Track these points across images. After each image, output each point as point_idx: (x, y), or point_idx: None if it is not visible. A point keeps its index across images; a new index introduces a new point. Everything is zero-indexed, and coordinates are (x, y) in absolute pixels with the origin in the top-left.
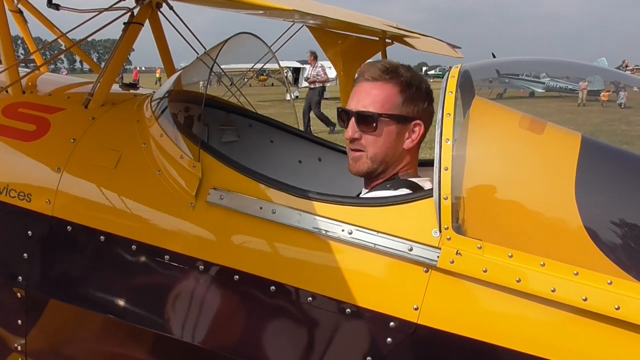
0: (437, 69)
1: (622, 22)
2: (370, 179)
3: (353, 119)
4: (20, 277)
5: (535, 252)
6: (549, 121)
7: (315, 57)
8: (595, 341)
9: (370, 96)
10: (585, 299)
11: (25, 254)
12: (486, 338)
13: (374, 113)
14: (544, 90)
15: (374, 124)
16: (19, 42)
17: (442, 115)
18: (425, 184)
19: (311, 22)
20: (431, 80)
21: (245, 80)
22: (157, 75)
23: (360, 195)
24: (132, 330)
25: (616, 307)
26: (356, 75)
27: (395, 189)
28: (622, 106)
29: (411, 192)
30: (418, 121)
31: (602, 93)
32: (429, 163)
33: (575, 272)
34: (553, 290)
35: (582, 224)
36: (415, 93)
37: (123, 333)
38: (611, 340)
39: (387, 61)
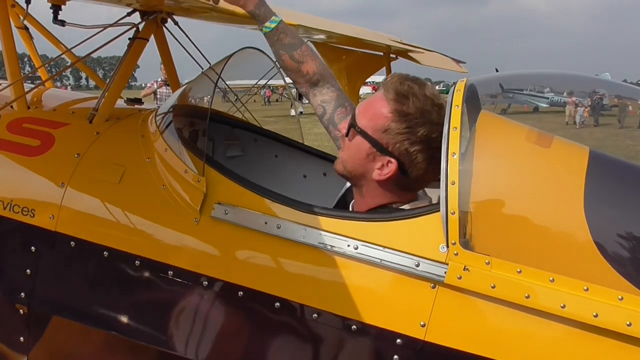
0: (441, 84)
1: (625, 38)
2: (351, 183)
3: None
4: (22, 294)
5: (544, 267)
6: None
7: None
8: (606, 358)
9: (367, 105)
10: (596, 315)
11: (28, 270)
12: (494, 355)
13: (354, 122)
14: (548, 105)
15: (350, 131)
16: (25, 59)
17: (448, 129)
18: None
19: (316, 37)
20: None
21: (250, 96)
22: None
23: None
24: (135, 347)
25: (628, 323)
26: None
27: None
28: (580, 125)
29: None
30: (392, 159)
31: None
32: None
33: (585, 287)
34: (563, 307)
35: (591, 239)
36: (405, 130)
37: (126, 350)
38: (623, 358)
39: (411, 84)
